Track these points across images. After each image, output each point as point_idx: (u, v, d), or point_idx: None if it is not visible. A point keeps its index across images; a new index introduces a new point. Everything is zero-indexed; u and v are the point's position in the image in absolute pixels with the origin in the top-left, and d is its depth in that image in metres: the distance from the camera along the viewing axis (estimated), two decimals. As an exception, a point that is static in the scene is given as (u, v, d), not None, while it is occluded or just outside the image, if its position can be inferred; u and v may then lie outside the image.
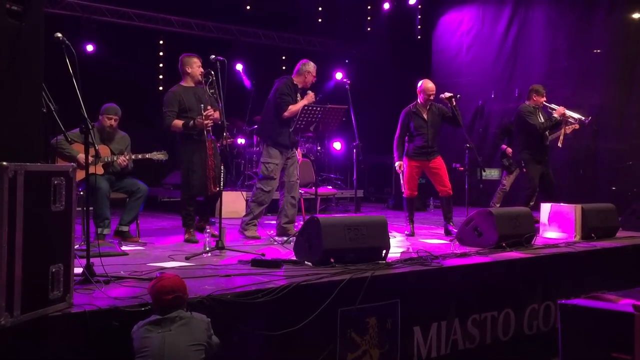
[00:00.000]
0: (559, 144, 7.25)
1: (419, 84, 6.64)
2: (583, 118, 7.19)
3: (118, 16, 10.37)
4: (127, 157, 5.68)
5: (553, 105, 7.26)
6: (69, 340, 2.88)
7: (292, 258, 4.56)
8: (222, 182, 5.61)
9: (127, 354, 2.88)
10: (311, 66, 6.22)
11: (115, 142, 5.82)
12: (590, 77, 9.50)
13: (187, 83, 5.80)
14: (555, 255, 5.30)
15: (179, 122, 5.62)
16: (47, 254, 2.86)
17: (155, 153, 5.83)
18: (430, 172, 6.64)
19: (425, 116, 6.56)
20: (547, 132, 7.18)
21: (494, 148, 8.54)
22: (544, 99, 7.27)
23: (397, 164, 6.64)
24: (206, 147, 5.56)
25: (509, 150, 8.18)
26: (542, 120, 7.14)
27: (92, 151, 3.77)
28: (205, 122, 5.53)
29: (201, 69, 5.71)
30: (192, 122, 5.58)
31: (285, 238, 5.78)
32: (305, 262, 4.39)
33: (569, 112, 7.20)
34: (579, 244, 5.80)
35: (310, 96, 6.07)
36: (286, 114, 5.99)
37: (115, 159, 5.66)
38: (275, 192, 6.20)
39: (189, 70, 5.76)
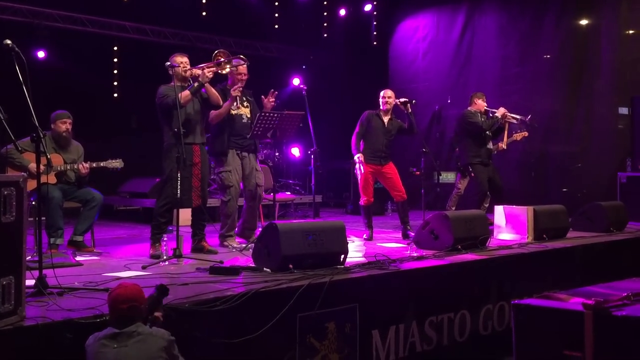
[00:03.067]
0: (504, 146, 7.49)
1: (382, 93, 6.81)
2: (523, 117, 7.44)
3: (71, 22, 10.16)
4: (87, 165, 5.56)
5: (494, 110, 7.49)
6: (22, 354, 2.81)
7: (251, 265, 4.55)
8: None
9: (82, 367, 2.83)
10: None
11: (68, 151, 5.70)
12: (540, 83, 9.78)
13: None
14: (509, 256, 5.44)
15: (185, 92, 5.26)
16: (-3, 267, 2.79)
17: (110, 161, 5.72)
18: (384, 178, 6.73)
19: (385, 122, 6.68)
20: (488, 133, 7.37)
21: (452, 151, 8.75)
22: (485, 104, 7.51)
23: (356, 157, 6.64)
24: (192, 154, 5.37)
25: None
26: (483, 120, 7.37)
27: (43, 160, 3.69)
28: (207, 71, 5.28)
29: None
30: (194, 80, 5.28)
31: (243, 245, 5.76)
32: (264, 269, 4.39)
33: (509, 113, 7.44)
34: (531, 244, 5.95)
35: (232, 93, 5.75)
36: (212, 117, 5.82)
37: (68, 167, 5.55)
38: (240, 199, 6.16)
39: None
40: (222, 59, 5.55)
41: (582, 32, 9.65)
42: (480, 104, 7.47)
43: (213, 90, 5.52)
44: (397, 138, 6.91)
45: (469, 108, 7.54)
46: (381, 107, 6.77)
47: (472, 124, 7.29)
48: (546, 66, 9.80)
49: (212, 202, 8.27)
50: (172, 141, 5.31)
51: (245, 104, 6.07)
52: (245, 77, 5.93)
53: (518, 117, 7.45)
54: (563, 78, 9.66)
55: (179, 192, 5.03)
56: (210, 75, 5.35)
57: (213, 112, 5.82)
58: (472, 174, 7.41)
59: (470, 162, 7.39)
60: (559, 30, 9.73)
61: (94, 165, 5.66)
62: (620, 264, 6.06)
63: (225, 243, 5.87)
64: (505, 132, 7.47)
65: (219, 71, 5.56)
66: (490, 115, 7.46)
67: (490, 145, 7.46)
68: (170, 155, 5.30)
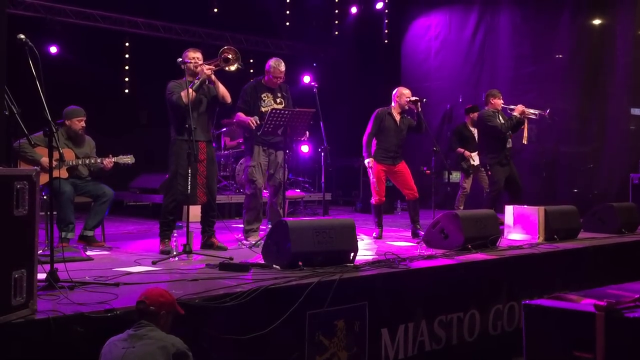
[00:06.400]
0: (524, 141, 7.39)
1: (395, 90, 6.75)
2: (542, 112, 7.35)
3: (83, 17, 10.21)
4: (113, 160, 5.61)
5: (512, 106, 7.40)
6: (33, 347, 2.82)
7: (261, 262, 4.55)
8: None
9: (92, 360, 2.84)
10: (272, 65, 6.05)
11: (81, 145, 5.73)
12: (554, 82, 9.72)
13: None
14: (519, 256, 5.41)
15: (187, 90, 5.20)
16: (9, 260, 2.80)
17: (121, 157, 5.74)
18: (395, 176, 6.70)
19: (397, 120, 6.65)
20: (509, 133, 7.30)
21: (450, 151, 8.65)
22: (502, 101, 7.41)
23: (366, 161, 6.66)
24: (198, 151, 5.27)
25: (467, 153, 8.30)
26: (503, 121, 7.28)
27: (56, 155, 3.70)
28: (205, 68, 5.29)
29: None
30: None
31: (254, 241, 5.76)
32: (274, 266, 4.39)
33: (527, 110, 7.36)
34: (542, 245, 5.91)
35: (251, 119, 5.84)
36: (235, 119, 5.99)
37: (80, 162, 5.58)
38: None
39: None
40: (228, 55, 5.54)
41: (596, 32, 9.58)
42: (497, 102, 7.37)
43: (222, 87, 5.52)
44: (408, 137, 6.87)
45: (486, 108, 7.44)
46: (394, 105, 6.69)
47: (492, 127, 7.19)
48: (560, 66, 9.74)
49: (221, 198, 8.29)
50: (177, 137, 5.33)
51: (279, 100, 6.09)
52: (280, 81, 6.12)
53: (537, 112, 7.36)
54: (577, 78, 9.59)
55: (189, 189, 5.03)
56: (208, 72, 5.35)
57: (239, 117, 5.96)
58: (489, 172, 7.35)
59: (488, 161, 7.33)
60: (573, 30, 9.67)
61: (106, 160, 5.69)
62: (632, 266, 6.01)
63: (250, 239, 5.90)
64: (525, 128, 7.36)
65: (225, 68, 5.54)
66: (508, 111, 7.38)
67: (510, 144, 7.36)
68: (175, 151, 5.32)
